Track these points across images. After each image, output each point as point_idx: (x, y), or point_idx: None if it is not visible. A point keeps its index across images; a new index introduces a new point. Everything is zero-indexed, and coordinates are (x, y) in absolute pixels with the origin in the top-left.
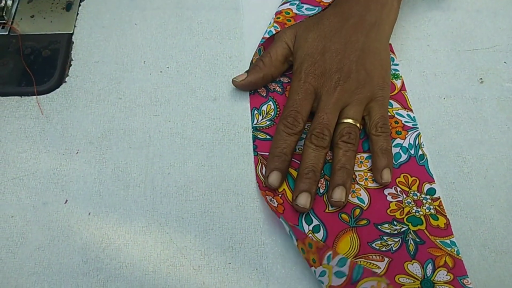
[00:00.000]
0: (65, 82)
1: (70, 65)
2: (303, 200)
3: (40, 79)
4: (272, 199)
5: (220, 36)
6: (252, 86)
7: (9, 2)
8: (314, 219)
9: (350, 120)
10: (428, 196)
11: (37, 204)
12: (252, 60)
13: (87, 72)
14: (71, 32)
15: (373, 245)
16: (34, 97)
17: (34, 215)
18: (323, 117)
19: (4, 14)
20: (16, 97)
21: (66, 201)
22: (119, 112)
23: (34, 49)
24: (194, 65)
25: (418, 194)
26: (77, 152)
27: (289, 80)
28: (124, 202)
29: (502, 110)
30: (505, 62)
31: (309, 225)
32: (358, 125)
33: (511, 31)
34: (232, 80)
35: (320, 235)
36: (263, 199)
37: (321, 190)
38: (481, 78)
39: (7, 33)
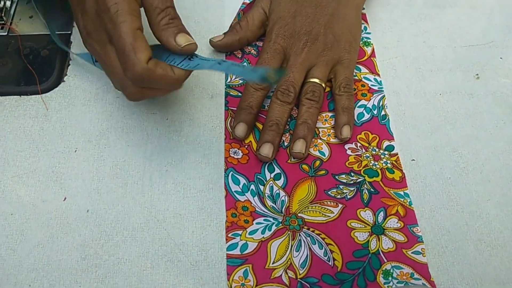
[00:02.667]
0: (64, 81)
1: (69, 64)
2: (266, 150)
3: (39, 78)
4: (238, 150)
5: (220, 26)
6: (228, 47)
7: (8, 3)
8: (276, 168)
9: (315, 80)
10: (386, 152)
11: (36, 202)
12: (231, 24)
13: (85, 71)
14: (70, 32)
15: (329, 192)
16: (33, 96)
17: (33, 212)
18: (289, 75)
19: (3, 14)
20: (15, 96)
21: (65, 198)
22: (117, 110)
23: (33, 49)
24: None
25: (377, 150)
26: (75, 151)
27: None
28: (123, 199)
29: (498, 105)
30: (501, 58)
31: (271, 173)
32: (323, 84)
33: (506, 27)
34: (210, 40)
35: (280, 182)
36: None
37: (285, 143)
38: (477, 74)
39: (6, 33)
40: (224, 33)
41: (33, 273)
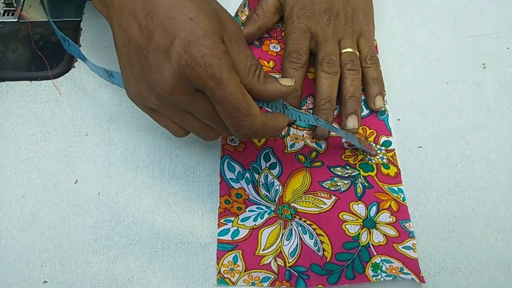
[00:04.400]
0: (74, 67)
1: None
2: (321, 130)
3: (49, 64)
4: (235, 138)
5: None
6: (250, 38)
7: None
8: (272, 157)
9: (349, 49)
10: (383, 147)
11: (47, 185)
12: (236, 13)
13: (95, 57)
14: (80, 19)
15: (323, 184)
16: (44, 81)
17: (45, 195)
18: (326, 46)
19: (13, 1)
20: (26, 81)
21: (76, 181)
22: (127, 96)
23: (43, 35)
24: None
25: (374, 145)
26: (86, 135)
27: (268, 36)
28: (133, 183)
29: (504, 94)
30: (507, 48)
31: (266, 162)
32: (357, 53)
33: None
34: None
35: (275, 171)
36: None
37: (283, 133)
38: (483, 64)
39: (16, 20)
40: (243, 25)
41: (45, 253)
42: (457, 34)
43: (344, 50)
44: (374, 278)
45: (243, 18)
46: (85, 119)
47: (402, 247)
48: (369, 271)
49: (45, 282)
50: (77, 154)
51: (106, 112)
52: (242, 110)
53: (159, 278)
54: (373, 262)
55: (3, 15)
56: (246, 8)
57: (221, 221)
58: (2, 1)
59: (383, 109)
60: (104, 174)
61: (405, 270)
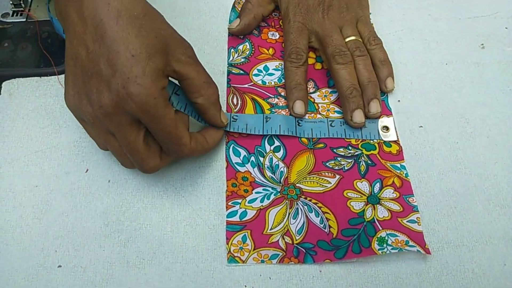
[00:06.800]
0: None
1: None
2: (359, 117)
3: (58, 60)
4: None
5: (226, 14)
6: (247, 28)
7: None
8: (276, 140)
9: (352, 37)
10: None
11: (59, 174)
12: (233, 4)
13: None
14: None
15: (327, 164)
16: (53, 77)
17: (57, 184)
18: (332, 38)
19: (21, 2)
20: (35, 77)
21: (87, 170)
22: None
23: (51, 33)
24: (203, 42)
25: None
26: None
27: (266, 25)
28: None
29: (504, 73)
30: (506, 28)
31: (270, 146)
32: (359, 39)
33: None
34: (228, 28)
35: (280, 154)
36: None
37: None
38: (482, 44)
39: (25, 19)
40: (238, 17)
41: (59, 239)
42: (455, 16)
43: (348, 39)
44: (380, 252)
45: (239, 8)
46: None
47: (407, 221)
48: (375, 245)
49: (60, 266)
50: (87, 145)
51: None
52: (174, 140)
53: (169, 259)
54: (378, 236)
55: (12, 15)
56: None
57: (229, 203)
58: (11, 2)
59: (385, 93)
60: (113, 163)
61: (411, 243)
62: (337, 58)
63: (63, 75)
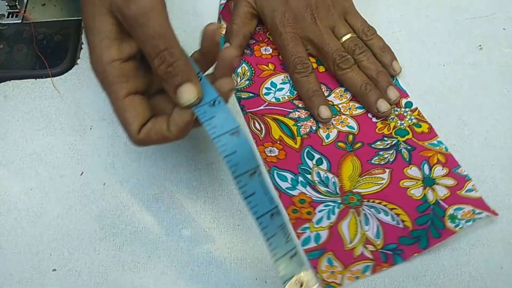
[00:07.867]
0: (77, 64)
1: (81, 48)
2: (384, 105)
3: (53, 62)
4: (272, 148)
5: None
6: (240, 49)
7: None
8: (315, 154)
9: (347, 36)
10: (407, 109)
11: (54, 177)
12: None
13: None
14: (81, 18)
15: (372, 161)
16: (48, 79)
17: (52, 186)
18: (329, 46)
19: (17, 3)
20: (31, 79)
21: (82, 173)
22: None
23: (46, 35)
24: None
25: (399, 109)
26: (90, 128)
27: (255, 41)
28: (137, 172)
29: (502, 74)
30: (504, 29)
31: (311, 160)
32: (354, 35)
33: None
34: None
35: (324, 166)
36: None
37: (313, 128)
38: (480, 45)
39: (20, 21)
40: (227, 42)
41: (54, 243)
42: (453, 17)
43: (343, 39)
44: (457, 228)
45: (223, 32)
46: (89, 114)
47: (465, 192)
48: (449, 224)
49: (54, 270)
50: (82, 147)
51: (109, 106)
52: (121, 124)
53: (164, 263)
54: (448, 214)
55: (8, 17)
56: (222, 22)
57: (298, 231)
58: (6, 4)
59: (394, 77)
60: (108, 166)
61: (477, 211)
62: (341, 64)
63: (56, 78)
